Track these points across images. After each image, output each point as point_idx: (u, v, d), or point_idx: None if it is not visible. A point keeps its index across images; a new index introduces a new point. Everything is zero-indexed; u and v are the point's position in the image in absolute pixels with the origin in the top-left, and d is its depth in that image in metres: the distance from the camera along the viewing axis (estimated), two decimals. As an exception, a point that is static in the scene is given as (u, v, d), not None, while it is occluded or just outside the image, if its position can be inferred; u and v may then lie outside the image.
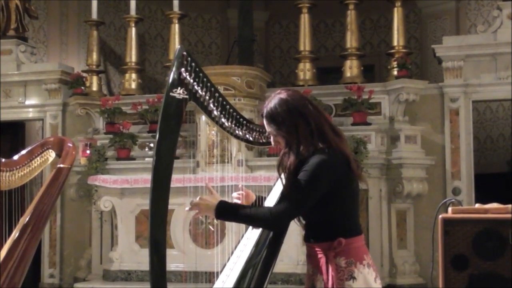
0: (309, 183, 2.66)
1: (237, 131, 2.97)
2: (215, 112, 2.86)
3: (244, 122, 2.98)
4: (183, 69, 2.72)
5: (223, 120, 2.89)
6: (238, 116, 2.94)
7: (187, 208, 2.82)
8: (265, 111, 2.81)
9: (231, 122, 2.92)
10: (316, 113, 2.78)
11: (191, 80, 2.74)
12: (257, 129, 3.04)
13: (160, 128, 2.67)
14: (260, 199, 3.06)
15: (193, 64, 2.74)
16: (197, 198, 2.80)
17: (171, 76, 2.72)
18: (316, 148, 2.72)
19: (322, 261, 2.76)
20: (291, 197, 2.69)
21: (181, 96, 2.71)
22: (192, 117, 7.42)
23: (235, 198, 3.05)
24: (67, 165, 4.04)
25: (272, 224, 2.74)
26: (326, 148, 2.72)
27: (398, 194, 7.48)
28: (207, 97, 2.81)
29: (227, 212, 2.78)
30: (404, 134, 7.56)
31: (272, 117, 2.77)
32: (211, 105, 2.84)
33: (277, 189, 3.01)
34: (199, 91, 2.78)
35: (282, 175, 2.78)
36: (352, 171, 2.76)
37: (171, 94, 2.70)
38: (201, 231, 7.09)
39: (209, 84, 2.80)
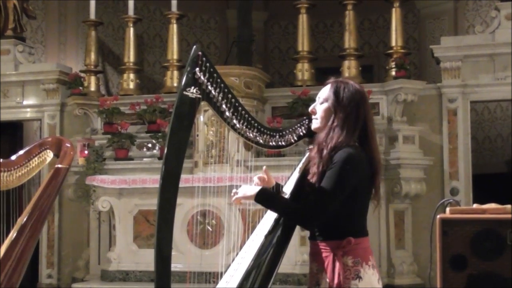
0: (340, 177, 2.71)
1: (248, 133, 2.95)
2: (227, 113, 2.85)
3: (256, 124, 2.97)
4: (197, 69, 2.73)
5: (234, 121, 2.88)
6: (249, 118, 2.93)
7: (233, 197, 2.89)
8: (336, 83, 2.89)
9: (243, 124, 2.91)
10: (370, 120, 2.87)
11: (205, 80, 2.75)
12: (268, 132, 3.03)
13: (172, 126, 2.68)
14: (278, 187, 3.07)
15: (207, 64, 2.75)
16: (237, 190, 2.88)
17: (185, 75, 2.72)
18: (349, 143, 2.76)
19: (329, 259, 2.78)
20: (324, 193, 2.72)
21: (194, 96, 2.72)
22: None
23: (257, 179, 3.05)
24: (65, 165, 4.03)
25: (304, 223, 2.79)
26: (355, 147, 2.78)
27: (396, 195, 7.49)
28: (220, 98, 2.81)
29: (264, 201, 2.82)
30: (402, 135, 7.56)
31: (338, 92, 2.86)
32: (224, 106, 2.83)
33: (294, 177, 3.02)
34: (213, 91, 2.78)
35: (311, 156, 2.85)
36: (374, 182, 2.83)
37: (184, 93, 2.71)
38: (199, 231, 7.09)
39: (222, 85, 2.80)
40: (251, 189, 2.85)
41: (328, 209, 2.72)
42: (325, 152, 2.77)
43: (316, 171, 2.78)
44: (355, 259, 2.77)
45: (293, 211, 2.78)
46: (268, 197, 2.83)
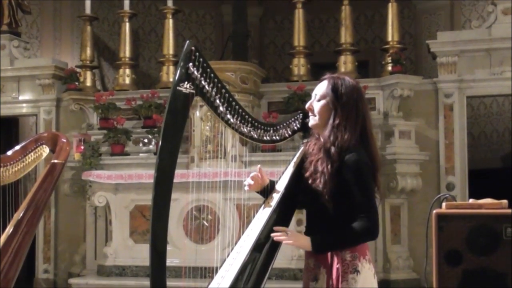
0: (368, 185, 2.77)
1: (242, 128, 2.96)
2: (221, 108, 2.86)
3: (250, 119, 2.98)
4: (190, 64, 2.73)
5: (228, 116, 2.89)
6: (243, 113, 2.94)
7: (283, 239, 2.82)
8: (333, 79, 2.89)
9: (237, 119, 2.92)
10: (368, 116, 2.89)
11: (198, 75, 2.74)
12: (262, 126, 3.04)
13: (166, 121, 2.67)
14: (272, 184, 3.08)
15: (201, 59, 2.75)
16: (289, 233, 2.81)
17: (179, 70, 2.72)
18: (353, 141, 2.78)
19: (327, 254, 2.81)
20: (368, 202, 2.76)
21: (187, 91, 2.72)
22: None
23: (250, 179, 3.04)
24: (61, 160, 4.03)
25: (374, 234, 2.79)
26: (359, 148, 2.79)
27: (392, 190, 7.49)
28: (213, 93, 2.81)
29: (325, 245, 2.82)
30: (398, 130, 7.56)
31: (336, 89, 2.85)
32: (217, 101, 2.84)
33: (288, 172, 3.03)
34: (206, 86, 2.78)
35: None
36: (374, 179, 2.84)
37: (178, 88, 2.70)
38: (195, 226, 7.09)
39: (216, 80, 2.81)
40: (304, 240, 2.82)
41: (377, 215, 2.79)
42: (333, 150, 2.76)
43: (326, 171, 2.76)
44: (353, 254, 2.78)
45: (361, 237, 2.78)
46: (324, 244, 2.82)
